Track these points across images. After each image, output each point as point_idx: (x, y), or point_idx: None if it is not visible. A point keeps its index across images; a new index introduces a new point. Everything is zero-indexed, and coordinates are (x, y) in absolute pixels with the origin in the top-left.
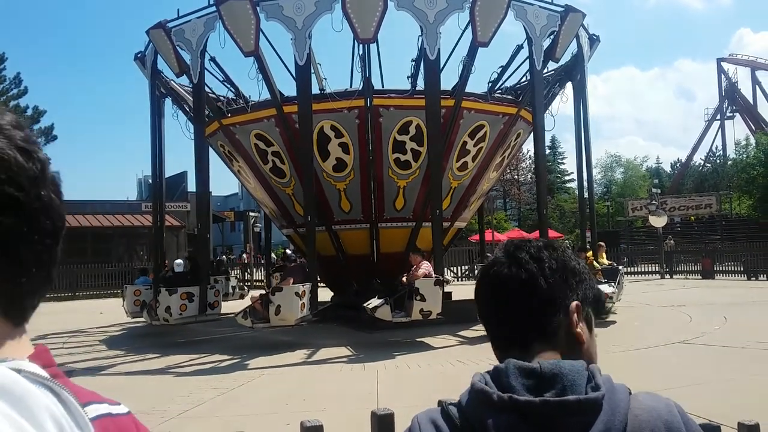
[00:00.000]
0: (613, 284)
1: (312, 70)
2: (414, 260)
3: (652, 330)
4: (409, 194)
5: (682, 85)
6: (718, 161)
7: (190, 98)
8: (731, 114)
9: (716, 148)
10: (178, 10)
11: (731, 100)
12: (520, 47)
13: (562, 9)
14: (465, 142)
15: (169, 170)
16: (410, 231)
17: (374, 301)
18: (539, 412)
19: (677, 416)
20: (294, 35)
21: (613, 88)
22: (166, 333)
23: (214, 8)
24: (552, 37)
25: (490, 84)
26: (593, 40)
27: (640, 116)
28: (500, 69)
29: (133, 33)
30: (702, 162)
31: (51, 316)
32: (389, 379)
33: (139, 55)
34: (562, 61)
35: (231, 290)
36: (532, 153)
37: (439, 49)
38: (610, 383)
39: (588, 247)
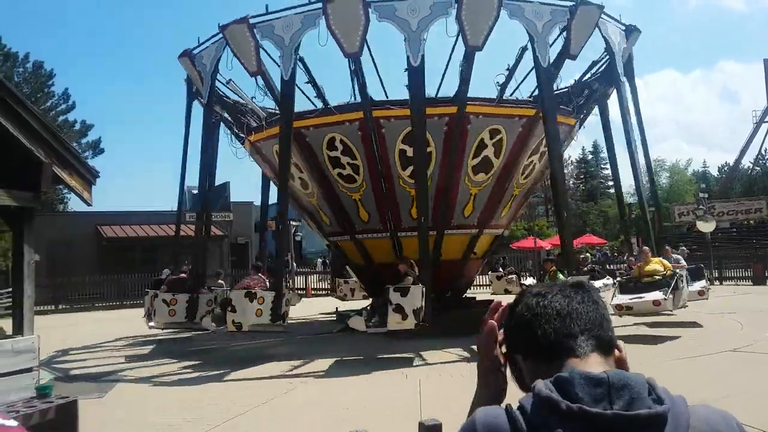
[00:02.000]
0: None
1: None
2: (401, 269)
3: (702, 338)
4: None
5: (726, 87)
6: (767, 164)
7: (234, 105)
8: None
9: (765, 151)
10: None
11: None
12: (524, 49)
13: (572, 3)
14: (480, 147)
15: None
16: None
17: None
18: (610, 425)
19: (735, 429)
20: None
21: (653, 91)
22: (204, 341)
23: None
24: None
25: (498, 86)
26: (630, 30)
27: (683, 119)
28: (507, 71)
29: (176, 43)
30: (751, 165)
31: (100, 324)
32: (432, 389)
33: (189, 52)
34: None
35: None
36: (573, 158)
37: (422, 56)
38: (669, 395)
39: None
